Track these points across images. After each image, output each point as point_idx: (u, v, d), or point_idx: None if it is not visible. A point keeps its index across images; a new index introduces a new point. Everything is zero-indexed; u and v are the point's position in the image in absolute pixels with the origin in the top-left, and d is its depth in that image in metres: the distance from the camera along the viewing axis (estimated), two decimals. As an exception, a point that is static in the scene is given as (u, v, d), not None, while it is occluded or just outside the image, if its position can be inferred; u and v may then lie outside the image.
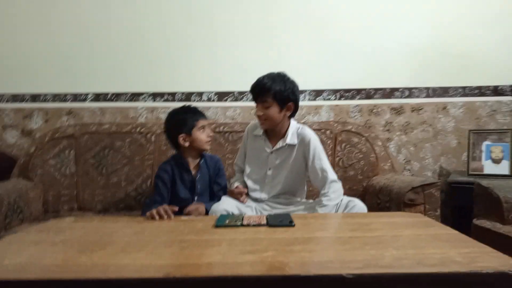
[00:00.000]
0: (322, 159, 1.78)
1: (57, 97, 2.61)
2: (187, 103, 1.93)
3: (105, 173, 2.27)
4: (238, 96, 2.60)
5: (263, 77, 1.75)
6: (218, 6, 2.58)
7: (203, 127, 1.83)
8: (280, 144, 1.82)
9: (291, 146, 1.81)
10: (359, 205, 1.66)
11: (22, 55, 2.60)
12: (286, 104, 1.75)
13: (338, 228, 1.31)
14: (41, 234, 1.23)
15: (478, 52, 2.52)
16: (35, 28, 2.60)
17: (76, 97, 2.61)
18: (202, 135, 1.82)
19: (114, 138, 2.32)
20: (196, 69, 2.60)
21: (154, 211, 1.44)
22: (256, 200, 1.86)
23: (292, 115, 1.83)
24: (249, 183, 1.88)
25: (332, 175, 1.77)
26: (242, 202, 1.78)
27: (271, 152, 1.84)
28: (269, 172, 1.85)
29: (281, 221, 1.31)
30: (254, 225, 1.30)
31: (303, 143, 1.80)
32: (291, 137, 1.81)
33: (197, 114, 1.84)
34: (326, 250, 1.08)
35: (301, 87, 2.48)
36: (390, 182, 1.95)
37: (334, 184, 1.75)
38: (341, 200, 1.71)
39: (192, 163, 1.87)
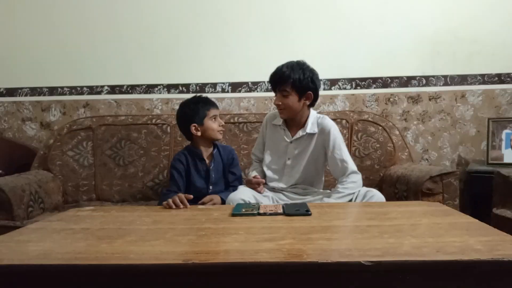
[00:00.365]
0: (342, 150, 1.76)
1: (73, 90, 2.65)
2: (194, 95, 1.92)
3: (122, 164, 2.30)
4: (252, 86, 2.60)
5: (282, 66, 1.74)
6: (231, -3, 2.57)
7: (214, 116, 1.84)
8: (299, 133, 1.81)
9: (311, 135, 1.80)
10: (377, 195, 1.65)
11: (38, 50, 2.64)
12: (305, 93, 1.73)
13: (355, 217, 1.30)
14: (62, 222, 1.25)
15: (495, 38, 2.46)
16: (52, 23, 2.63)
17: (92, 90, 2.64)
18: (213, 124, 1.83)
19: (130, 129, 2.35)
20: (210, 60, 2.60)
21: (170, 201, 1.45)
22: (273, 189, 1.86)
23: (312, 104, 1.80)
24: (268, 172, 1.88)
25: (352, 166, 1.75)
26: (259, 192, 1.78)
27: (291, 142, 1.83)
28: (288, 162, 1.84)
29: (298, 210, 1.31)
30: (270, 214, 1.30)
31: (323, 132, 1.78)
32: (311, 127, 1.79)
33: (208, 103, 1.85)
34: (344, 239, 1.08)
35: (315, 76, 2.51)
36: (408, 172, 1.93)
37: (354, 175, 1.74)
38: (359, 191, 1.69)
39: (206, 152, 1.89)
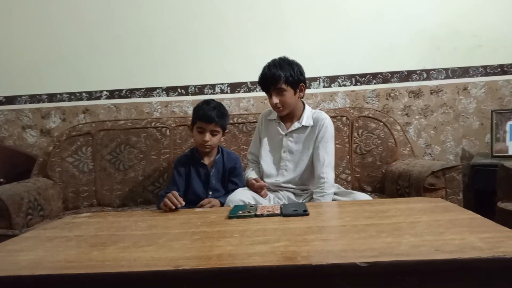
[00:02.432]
0: (328, 143, 1.77)
1: (72, 96, 2.64)
2: (208, 99, 1.87)
3: (122, 168, 2.29)
4: (251, 86, 2.58)
5: (268, 67, 1.75)
6: (227, -3, 2.55)
7: (201, 128, 1.77)
8: (295, 125, 1.81)
9: (306, 128, 1.81)
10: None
11: (36, 57, 2.64)
12: (298, 86, 1.76)
13: (353, 216, 1.27)
14: (56, 230, 1.24)
15: (496, 29, 2.42)
16: (47, 30, 2.63)
17: (91, 95, 2.64)
18: (197, 136, 1.79)
19: (130, 133, 2.34)
20: (208, 61, 2.58)
21: (166, 200, 1.44)
22: (271, 186, 1.84)
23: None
24: (265, 166, 1.87)
25: (329, 159, 1.75)
26: (262, 196, 1.75)
27: (286, 134, 1.83)
28: (284, 155, 1.83)
29: (295, 210, 1.29)
30: (267, 215, 1.28)
31: (317, 124, 1.79)
32: (306, 120, 1.81)
33: (202, 115, 1.76)
34: (340, 239, 1.05)
35: (314, 74, 2.51)
36: (410, 167, 1.90)
37: (328, 170, 1.73)
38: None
39: (207, 157, 1.86)
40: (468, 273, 0.84)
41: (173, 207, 1.44)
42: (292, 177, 1.82)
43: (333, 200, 1.71)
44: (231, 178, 1.87)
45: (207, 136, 1.75)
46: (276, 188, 1.85)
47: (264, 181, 1.83)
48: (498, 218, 1.60)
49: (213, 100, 1.86)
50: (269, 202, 1.76)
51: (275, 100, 1.72)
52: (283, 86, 1.70)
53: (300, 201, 1.78)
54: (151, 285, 0.86)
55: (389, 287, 0.86)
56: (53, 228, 1.28)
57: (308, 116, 1.82)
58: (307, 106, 1.86)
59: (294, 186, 1.83)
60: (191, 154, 1.87)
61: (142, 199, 2.25)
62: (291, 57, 1.83)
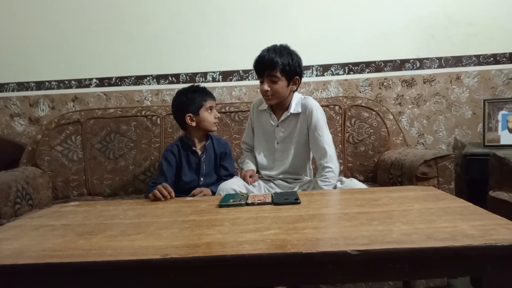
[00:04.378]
0: (323, 131, 1.74)
1: (61, 84, 2.59)
2: (192, 84, 1.89)
3: (112, 157, 2.26)
4: (243, 75, 2.54)
5: (267, 51, 1.69)
6: (219, -17, 2.50)
7: (210, 107, 1.80)
8: (285, 115, 1.79)
9: (295, 116, 1.78)
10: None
11: (24, 43, 2.58)
12: (293, 78, 1.71)
13: (345, 204, 1.26)
14: (43, 219, 1.21)
15: (490, 18, 2.40)
16: (36, 15, 2.56)
17: (80, 83, 2.59)
18: (209, 116, 1.79)
19: (120, 122, 2.30)
20: (200, 49, 2.54)
21: (156, 191, 1.41)
22: (266, 177, 1.84)
23: (296, 89, 1.80)
24: (260, 159, 1.86)
25: (331, 151, 1.72)
26: (248, 183, 1.74)
27: (277, 126, 1.82)
28: (277, 146, 1.83)
29: (287, 199, 1.27)
30: (258, 204, 1.26)
31: (306, 111, 1.75)
32: (294, 107, 1.77)
33: (205, 94, 1.81)
34: (331, 227, 1.04)
35: (307, 62, 2.47)
36: (402, 156, 1.89)
37: (331, 164, 1.69)
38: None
39: (199, 144, 1.85)
40: (460, 261, 0.83)
41: (162, 199, 1.41)
42: (286, 167, 1.81)
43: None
44: (221, 163, 1.86)
45: (217, 112, 1.84)
46: (270, 178, 1.84)
47: (260, 173, 1.83)
48: (490, 207, 1.60)
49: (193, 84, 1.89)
50: (261, 191, 1.75)
51: (266, 87, 1.68)
52: (278, 74, 1.66)
53: (295, 189, 1.76)
54: (138, 274, 0.84)
55: (381, 275, 0.85)
56: (39, 216, 1.25)
57: (296, 103, 1.78)
58: (296, 94, 1.82)
59: (288, 176, 1.83)
60: (181, 143, 1.85)
61: (133, 188, 2.23)
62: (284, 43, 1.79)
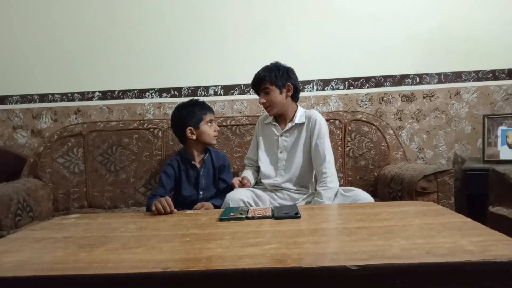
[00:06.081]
0: (325, 139, 1.82)
1: (64, 97, 2.62)
2: (191, 98, 1.93)
3: (113, 170, 2.27)
4: (245, 89, 2.57)
5: (259, 71, 1.87)
6: (222, -1, 2.55)
7: (210, 121, 1.84)
8: (289, 125, 1.88)
9: (300, 127, 1.87)
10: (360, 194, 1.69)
11: (28, 56, 2.62)
12: (285, 86, 1.83)
13: (345, 219, 1.26)
14: (44, 231, 1.22)
15: (489, 34, 2.43)
16: (40, 29, 2.60)
17: (83, 96, 2.61)
18: (209, 129, 1.83)
19: (122, 135, 2.32)
20: (202, 63, 2.58)
21: (157, 203, 1.42)
22: (269, 187, 1.87)
23: (295, 96, 1.88)
24: (263, 168, 1.91)
25: (330, 156, 1.80)
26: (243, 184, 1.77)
27: (281, 135, 1.89)
28: (280, 155, 1.88)
29: (287, 213, 1.28)
30: (259, 218, 1.27)
31: (311, 122, 1.85)
32: (299, 118, 1.87)
33: (205, 108, 1.86)
34: (331, 242, 1.04)
35: (308, 77, 2.51)
36: (402, 171, 1.90)
37: (331, 166, 1.77)
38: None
39: (198, 157, 1.87)
40: (459, 277, 0.83)
41: (162, 211, 1.41)
42: (289, 177, 1.85)
43: (336, 196, 1.73)
44: (220, 176, 1.88)
45: (216, 126, 1.90)
46: (273, 189, 1.86)
47: (262, 183, 1.89)
48: (490, 222, 1.60)
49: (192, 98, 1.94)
50: (267, 202, 1.76)
51: (262, 99, 1.84)
52: (268, 85, 1.82)
53: (299, 201, 1.80)
54: (139, 287, 0.85)
55: (380, 290, 0.85)
56: (41, 229, 1.26)
57: (301, 115, 1.88)
58: (299, 107, 1.93)
59: (291, 187, 1.85)
60: (180, 157, 1.86)
61: (134, 201, 2.23)
62: (284, 59, 1.91)
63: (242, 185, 1.74)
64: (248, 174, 1.94)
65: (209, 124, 1.84)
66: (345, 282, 0.84)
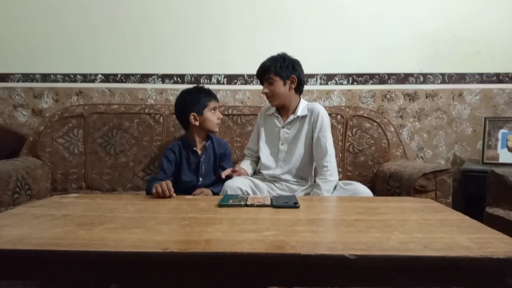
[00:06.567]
0: (327, 133, 1.83)
1: (66, 77, 2.60)
2: (196, 85, 1.93)
3: (113, 153, 2.26)
4: (248, 79, 2.56)
5: (265, 61, 1.86)
6: (229, -12, 2.53)
7: (214, 108, 1.84)
8: (291, 117, 1.87)
9: (302, 119, 1.87)
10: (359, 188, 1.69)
11: (32, 35, 2.59)
12: (289, 77, 1.82)
13: (343, 211, 1.27)
14: (43, 208, 1.22)
15: (494, 37, 2.43)
16: (45, 8, 2.58)
17: (85, 78, 2.60)
18: (213, 116, 1.83)
19: (123, 118, 2.31)
20: (206, 51, 2.56)
21: (158, 186, 1.42)
22: (268, 177, 1.87)
23: (298, 89, 1.88)
24: (263, 159, 1.91)
25: (331, 149, 1.81)
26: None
27: (282, 127, 1.89)
28: (281, 147, 1.88)
29: (286, 202, 1.29)
30: (258, 206, 1.27)
31: (313, 114, 1.85)
32: (301, 111, 1.87)
33: (209, 95, 1.86)
34: (330, 232, 1.05)
35: (312, 71, 2.50)
36: (401, 168, 1.91)
37: (332, 159, 1.78)
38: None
39: (199, 144, 1.87)
40: (456, 271, 0.84)
41: (162, 195, 1.41)
42: (289, 168, 1.86)
43: (335, 188, 1.74)
44: (221, 164, 1.88)
45: (219, 114, 1.89)
46: (272, 179, 1.87)
47: (262, 173, 1.89)
48: (486, 223, 1.59)
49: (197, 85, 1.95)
50: (265, 191, 1.77)
51: (265, 89, 1.84)
52: (272, 76, 1.81)
53: (297, 193, 1.81)
54: (138, 266, 0.85)
55: (377, 281, 0.85)
56: (40, 206, 1.26)
57: (303, 108, 1.88)
58: (302, 100, 1.92)
59: (291, 178, 1.86)
60: (182, 142, 1.86)
61: (132, 185, 2.23)
62: (289, 51, 1.91)
63: (235, 172, 1.76)
64: (246, 164, 1.95)
65: (213, 111, 1.84)
66: (343, 271, 0.85)
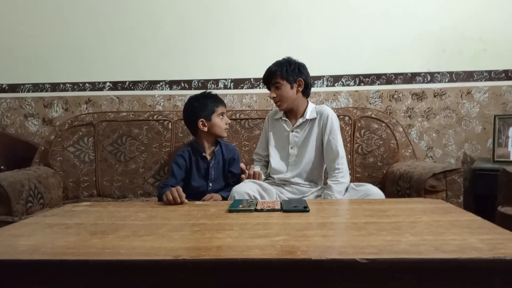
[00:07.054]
0: (337, 135, 1.83)
1: (76, 86, 2.64)
2: (204, 91, 1.95)
3: (123, 160, 2.29)
4: (255, 83, 2.57)
5: (270, 66, 1.87)
6: (234, -8, 2.54)
7: (222, 113, 1.86)
8: (299, 121, 1.88)
9: (311, 122, 1.87)
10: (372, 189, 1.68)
11: (40, 46, 2.64)
12: (296, 81, 1.83)
13: (353, 214, 1.27)
14: (56, 217, 1.24)
15: (502, 35, 2.42)
16: (53, 19, 2.62)
17: (94, 86, 2.63)
18: (221, 122, 1.84)
19: (132, 125, 2.33)
20: (212, 56, 2.58)
21: (169, 193, 1.43)
22: (278, 181, 1.88)
23: (305, 92, 1.89)
24: (273, 163, 1.91)
25: (342, 152, 1.81)
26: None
27: (292, 131, 1.89)
28: (291, 151, 1.89)
29: (295, 206, 1.29)
30: (268, 210, 1.28)
31: (322, 117, 1.86)
32: (310, 114, 1.88)
33: (217, 100, 1.88)
34: (340, 236, 1.05)
35: (318, 73, 2.51)
36: (411, 169, 1.90)
37: (343, 161, 1.79)
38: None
39: (208, 149, 1.88)
40: (468, 273, 0.84)
41: (173, 202, 1.43)
42: (299, 172, 1.86)
43: (347, 190, 1.75)
44: (229, 169, 1.89)
45: (227, 119, 1.90)
46: (282, 183, 1.87)
47: (272, 178, 1.90)
48: (498, 222, 1.57)
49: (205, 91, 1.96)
50: (274, 196, 1.77)
51: (273, 94, 1.86)
52: (279, 80, 1.82)
53: (307, 194, 1.82)
54: (150, 274, 0.86)
55: (388, 285, 0.85)
56: (53, 215, 1.28)
57: (311, 111, 1.88)
58: (310, 103, 1.93)
59: (301, 181, 1.86)
60: (191, 148, 1.88)
61: (142, 191, 2.25)
62: (295, 54, 1.92)
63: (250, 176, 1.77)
64: (257, 169, 1.93)
65: (221, 116, 1.85)
66: (354, 276, 0.85)
